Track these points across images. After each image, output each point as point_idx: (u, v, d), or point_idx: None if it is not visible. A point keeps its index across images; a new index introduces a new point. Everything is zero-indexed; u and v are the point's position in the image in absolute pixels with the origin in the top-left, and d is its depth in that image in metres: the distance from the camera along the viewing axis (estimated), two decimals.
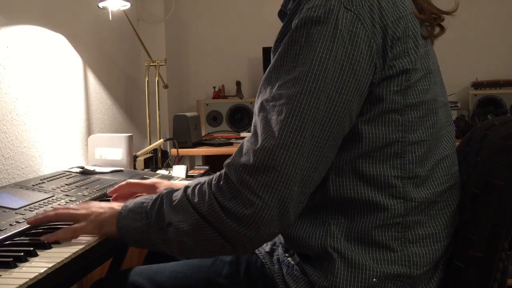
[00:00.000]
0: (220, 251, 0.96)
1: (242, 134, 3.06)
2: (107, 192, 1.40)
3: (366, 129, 0.96)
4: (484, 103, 2.87)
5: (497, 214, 0.97)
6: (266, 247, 1.13)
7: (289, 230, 1.03)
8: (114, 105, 2.53)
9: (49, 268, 0.88)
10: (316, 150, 0.90)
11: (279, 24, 1.03)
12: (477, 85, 2.96)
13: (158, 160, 2.39)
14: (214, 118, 3.14)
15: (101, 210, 1.07)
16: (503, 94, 2.87)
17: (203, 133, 3.08)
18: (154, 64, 2.51)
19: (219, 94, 3.24)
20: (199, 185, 0.98)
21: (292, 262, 1.04)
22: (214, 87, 3.26)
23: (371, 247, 0.97)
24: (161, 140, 2.40)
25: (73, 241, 1.03)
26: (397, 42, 0.94)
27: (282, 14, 1.10)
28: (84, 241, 1.03)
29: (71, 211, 1.08)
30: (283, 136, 0.89)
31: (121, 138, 2.03)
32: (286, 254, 1.06)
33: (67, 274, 0.94)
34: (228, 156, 0.98)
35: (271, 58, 1.00)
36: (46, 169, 1.82)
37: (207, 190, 0.95)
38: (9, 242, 1.02)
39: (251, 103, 3.11)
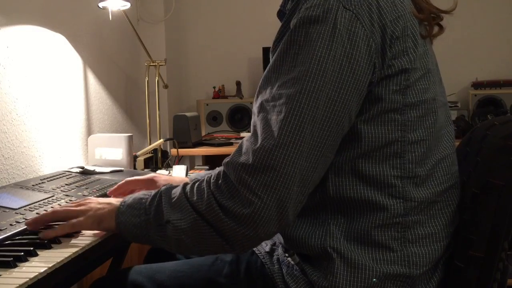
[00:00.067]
0: (218, 249, 0.96)
1: (242, 134, 3.05)
2: (107, 192, 1.40)
3: (366, 128, 0.96)
4: (484, 103, 2.87)
5: (497, 214, 0.98)
6: (266, 247, 1.13)
7: (288, 230, 1.03)
8: (114, 105, 2.53)
9: (49, 268, 0.88)
10: (316, 150, 0.90)
11: (279, 24, 1.03)
12: (477, 85, 2.96)
13: (158, 160, 2.39)
14: (214, 118, 3.14)
15: (99, 206, 1.07)
16: (503, 94, 2.86)
17: (203, 133, 3.08)
18: (154, 64, 2.51)
19: (219, 94, 3.24)
20: (197, 183, 0.98)
21: (292, 262, 1.04)
22: (214, 87, 3.26)
23: (371, 247, 0.97)
24: (161, 140, 2.40)
25: (73, 241, 1.03)
26: (396, 41, 0.94)
27: (281, 14, 1.10)
28: (84, 241, 1.03)
29: (69, 208, 1.09)
30: (282, 136, 0.89)
31: (121, 138, 2.03)
32: (286, 254, 1.06)
33: (67, 274, 0.94)
34: (228, 156, 0.98)
35: (270, 58, 1.00)
36: (46, 169, 1.82)
37: (205, 189, 0.95)
38: (9, 242, 1.02)
39: (251, 103, 3.10)
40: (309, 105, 0.90)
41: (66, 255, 0.94)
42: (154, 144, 2.34)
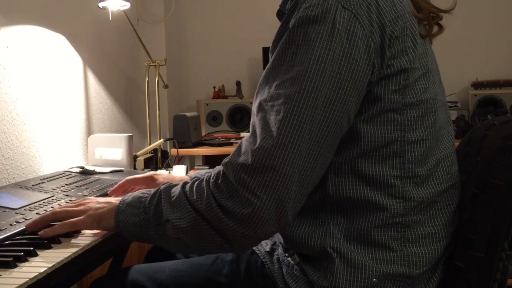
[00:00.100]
0: (218, 248, 0.96)
1: (242, 134, 3.05)
2: (108, 192, 1.41)
3: (365, 128, 0.96)
4: (484, 103, 2.87)
5: (497, 214, 0.97)
6: (267, 246, 1.13)
7: (288, 230, 1.03)
8: (114, 105, 2.53)
9: (49, 268, 0.88)
10: (314, 150, 0.90)
11: (279, 24, 1.03)
12: (477, 85, 2.96)
13: (158, 160, 2.39)
14: (214, 118, 3.14)
15: (98, 205, 1.07)
16: (503, 94, 2.86)
17: (203, 133, 3.08)
18: (154, 64, 2.51)
19: (219, 94, 3.24)
20: (197, 182, 0.98)
21: (292, 262, 1.04)
22: (214, 87, 3.26)
23: (371, 247, 0.97)
24: (161, 140, 2.40)
25: (73, 241, 1.03)
26: (395, 41, 0.94)
27: (280, 14, 1.10)
28: (84, 241, 1.03)
29: (68, 208, 1.09)
30: (281, 136, 0.89)
31: (121, 138, 2.03)
32: (286, 254, 1.06)
33: (67, 274, 0.94)
34: (228, 156, 0.98)
35: (270, 57, 1.00)
36: (46, 169, 1.82)
37: (205, 188, 0.95)
38: (9, 242, 1.02)
39: (251, 103, 3.10)
40: (307, 105, 0.90)
41: (66, 255, 0.94)
42: (154, 144, 2.34)
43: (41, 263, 0.90)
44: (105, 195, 1.41)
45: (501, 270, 1.01)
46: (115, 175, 1.74)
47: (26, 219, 1.12)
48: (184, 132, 2.72)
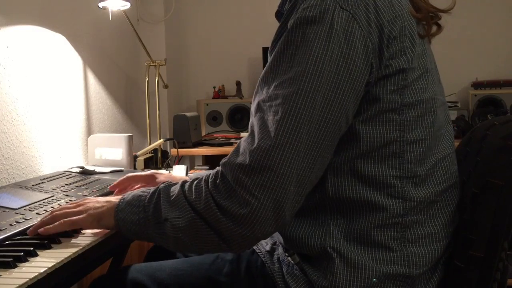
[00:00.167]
0: (216, 248, 0.96)
1: (242, 134, 3.05)
2: (108, 187, 1.41)
3: (364, 129, 0.96)
4: (484, 103, 2.87)
5: (497, 214, 0.97)
6: (267, 246, 1.13)
7: (288, 230, 1.03)
8: (114, 105, 2.53)
9: (49, 268, 0.88)
10: (312, 150, 0.90)
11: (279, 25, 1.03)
12: (477, 85, 2.96)
13: (158, 160, 2.39)
14: (214, 118, 3.14)
15: (98, 205, 1.07)
16: (503, 94, 2.86)
17: (203, 133, 3.08)
18: (154, 64, 2.51)
19: (219, 94, 3.24)
20: (196, 181, 0.98)
21: (292, 262, 1.04)
22: (214, 87, 3.26)
23: (370, 247, 0.97)
24: (161, 140, 2.40)
25: (73, 241, 1.04)
26: (394, 41, 0.94)
27: (279, 14, 1.10)
28: (84, 241, 1.03)
29: (68, 210, 1.09)
30: (279, 137, 0.89)
31: (121, 138, 2.03)
32: (286, 254, 1.06)
33: (67, 274, 0.94)
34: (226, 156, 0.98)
35: (268, 58, 1.00)
36: (46, 169, 1.82)
37: (204, 188, 0.95)
38: (9, 242, 1.02)
39: (251, 103, 3.08)
40: (305, 106, 0.90)
41: (66, 255, 0.95)
42: (154, 144, 2.34)
43: (41, 263, 0.90)
44: (105, 195, 1.42)
45: (501, 270, 1.01)
46: (115, 175, 1.73)
47: (26, 219, 1.12)
48: (184, 132, 2.72)
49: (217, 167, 0.99)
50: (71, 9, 2.09)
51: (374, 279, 0.95)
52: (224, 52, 3.37)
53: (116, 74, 2.59)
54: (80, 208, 1.08)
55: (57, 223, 1.05)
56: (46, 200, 1.31)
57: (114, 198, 1.08)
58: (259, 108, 0.95)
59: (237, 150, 0.96)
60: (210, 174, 0.98)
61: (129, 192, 1.07)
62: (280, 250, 1.10)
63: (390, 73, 0.94)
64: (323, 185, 0.98)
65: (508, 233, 1.00)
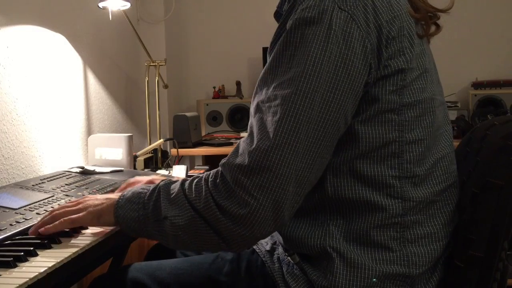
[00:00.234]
0: (215, 247, 0.97)
1: (242, 134, 3.05)
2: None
3: (363, 129, 0.96)
4: (484, 103, 2.87)
5: (497, 214, 0.97)
6: (267, 245, 1.14)
7: (288, 230, 1.03)
8: (114, 105, 2.53)
9: (49, 268, 0.88)
10: (311, 151, 0.90)
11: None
12: (477, 85, 2.96)
13: (158, 160, 2.39)
14: (214, 118, 3.14)
15: (97, 202, 1.07)
16: (503, 94, 2.86)
17: (203, 133, 3.08)
18: (154, 64, 2.51)
19: (219, 94, 3.24)
20: (196, 179, 0.99)
21: (292, 262, 1.04)
22: (214, 87, 3.26)
23: (370, 247, 0.97)
24: (161, 140, 2.41)
25: (73, 241, 1.04)
26: (392, 41, 0.94)
27: (278, 15, 1.11)
28: (84, 241, 1.03)
29: (67, 209, 1.09)
30: (277, 137, 0.90)
31: (121, 138, 2.03)
32: (286, 253, 1.06)
33: (67, 274, 0.94)
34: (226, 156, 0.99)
35: (267, 58, 1.00)
36: (46, 169, 1.82)
37: (203, 187, 0.96)
38: (9, 242, 1.02)
39: (250, 103, 3.10)
40: (304, 106, 0.90)
41: (66, 255, 0.95)
42: (154, 144, 2.34)
43: (41, 263, 0.90)
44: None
45: (501, 270, 1.01)
46: (115, 175, 1.74)
47: (26, 219, 1.13)
48: (184, 132, 2.72)
49: (215, 169, 0.99)
50: (71, 9, 2.09)
51: (374, 279, 0.95)
52: (224, 52, 3.37)
53: (116, 74, 2.59)
54: (80, 206, 1.08)
55: (57, 222, 1.05)
56: (46, 200, 1.31)
57: (114, 195, 1.08)
58: (258, 108, 0.95)
59: (236, 150, 0.96)
60: (210, 173, 0.98)
61: (129, 189, 1.07)
62: (280, 249, 1.10)
63: (389, 73, 0.94)
64: (323, 186, 0.98)
65: (508, 233, 1.00)
